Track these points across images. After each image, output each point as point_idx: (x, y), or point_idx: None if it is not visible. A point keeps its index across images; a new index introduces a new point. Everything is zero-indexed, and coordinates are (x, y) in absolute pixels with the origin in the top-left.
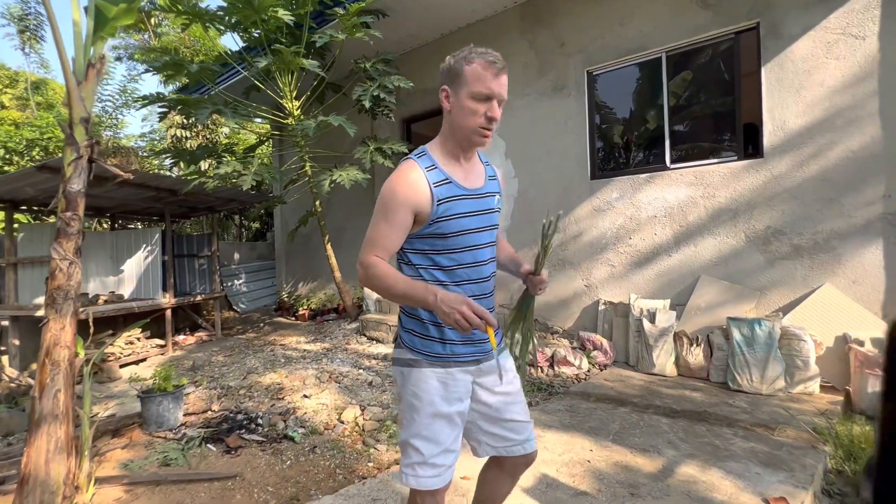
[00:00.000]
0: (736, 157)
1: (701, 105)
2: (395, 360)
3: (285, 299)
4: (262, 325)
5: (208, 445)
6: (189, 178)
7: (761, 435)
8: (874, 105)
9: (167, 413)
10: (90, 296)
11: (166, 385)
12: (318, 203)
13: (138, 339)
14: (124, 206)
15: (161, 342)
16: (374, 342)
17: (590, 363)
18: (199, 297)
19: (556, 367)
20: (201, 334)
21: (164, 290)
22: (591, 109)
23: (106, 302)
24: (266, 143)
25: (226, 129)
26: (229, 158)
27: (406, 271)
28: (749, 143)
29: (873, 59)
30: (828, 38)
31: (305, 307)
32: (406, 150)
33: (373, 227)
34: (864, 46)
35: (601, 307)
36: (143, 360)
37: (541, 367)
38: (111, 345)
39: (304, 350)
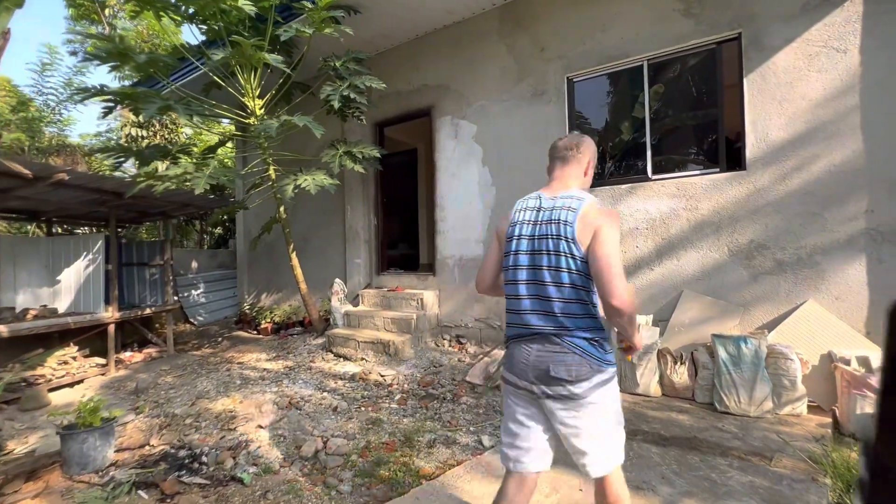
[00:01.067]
0: (718, 169)
1: (683, 115)
2: (603, 381)
3: (247, 311)
4: (220, 339)
5: (139, 492)
6: (137, 179)
7: (758, 466)
8: (856, 119)
9: (93, 452)
10: (17, 310)
11: (92, 419)
12: (282, 209)
13: (74, 358)
14: (65, 210)
15: (102, 361)
16: (342, 360)
17: None
18: (148, 311)
19: None
20: (151, 350)
21: (107, 302)
22: (572, 117)
23: (36, 317)
24: (228, 145)
25: (188, 130)
26: (184, 160)
27: (586, 297)
28: (732, 155)
29: (855, 73)
30: (809, 51)
31: (268, 320)
32: (378, 155)
33: (618, 259)
34: (846, 60)
35: None
36: (80, 381)
37: None
38: (40, 365)
39: (264, 369)
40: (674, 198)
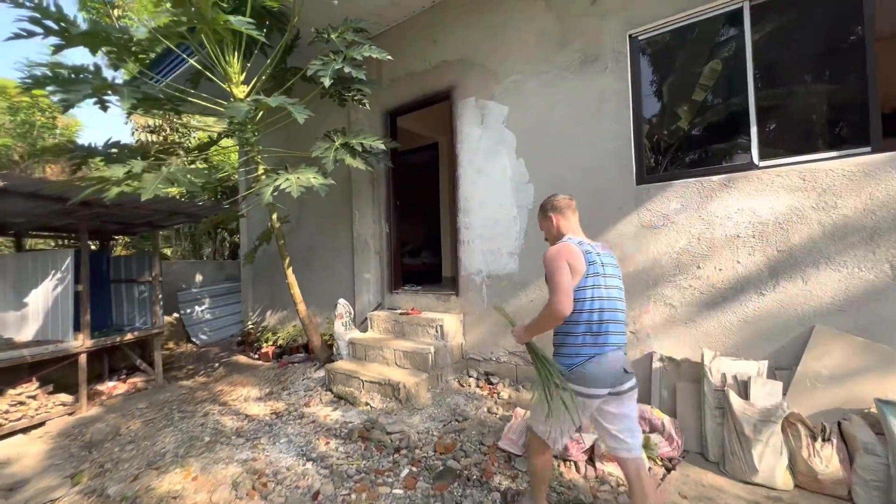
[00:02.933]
0: (869, 149)
1: (805, 76)
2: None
3: (251, 331)
4: (216, 364)
5: None
6: (84, 183)
7: None
8: None
9: None
10: None
11: None
12: (274, 217)
13: (33, 396)
14: (35, 222)
15: (69, 399)
16: (342, 403)
17: (649, 457)
18: (129, 336)
19: (598, 465)
20: (137, 380)
21: (78, 329)
22: (637, 87)
23: None
24: (224, 143)
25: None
26: (139, 162)
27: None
28: (890, 129)
29: None
30: None
31: (270, 343)
32: (383, 147)
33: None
34: None
35: (656, 364)
36: (41, 424)
37: (575, 465)
38: None
39: (247, 416)
40: (796, 192)
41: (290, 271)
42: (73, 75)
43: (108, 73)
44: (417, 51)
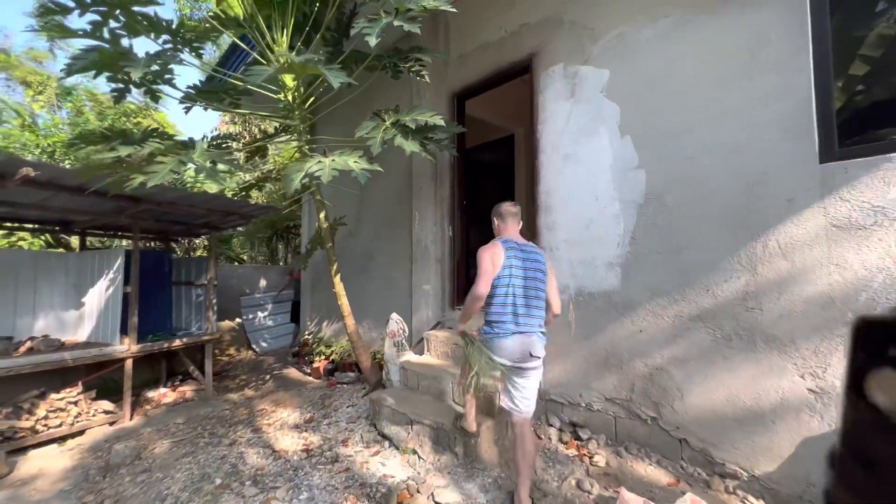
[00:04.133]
0: None
1: None
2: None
3: (308, 340)
4: (268, 376)
5: None
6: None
7: None
8: None
9: None
10: (13, 340)
11: None
12: (322, 216)
13: (75, 402)
14: (94, 221)
15: (112, 406)
16: (384, 445)
17: None
18: (176, 343)
19: None
20: (188, 388)
21: (125, 332)
22: (823, 15)
23: (31, 350)
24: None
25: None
26: (157, 145)
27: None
28: None
29: None
30: None
31: (323, 357)
32: (442, 123)
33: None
34: None
35: None
36: (81, 433)
37: None
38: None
39: (274, 452)
40: None
41: (337, 279)
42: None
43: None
44: (492, 16)
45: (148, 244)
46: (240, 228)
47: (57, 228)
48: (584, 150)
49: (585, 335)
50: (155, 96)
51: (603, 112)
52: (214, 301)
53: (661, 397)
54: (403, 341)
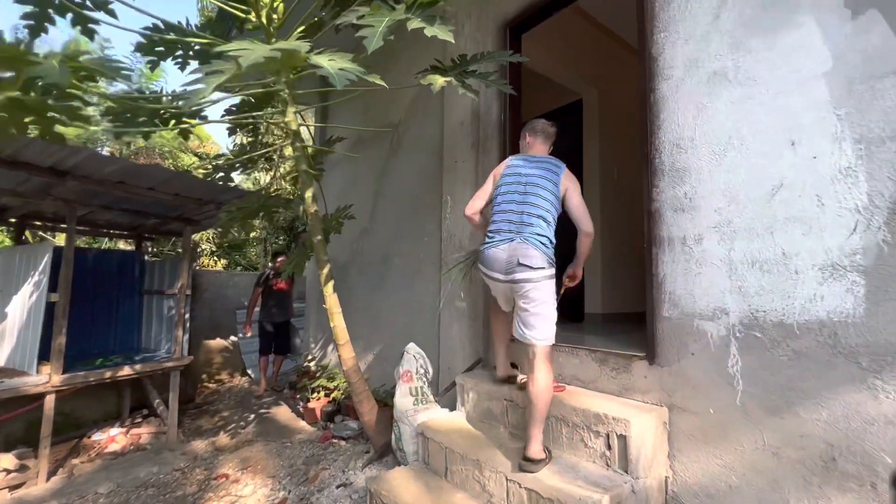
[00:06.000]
0: None
1: None
2: (548, 276)
3: (311, 369)
4: (252, 415)
5: None
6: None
7: None
8: None
9: None
10: None
11: None
12: (308, 196)
13: None
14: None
15: (14, 463)
16: None
17: None
18: (126, 371)
19: None
20: (145, 430)
21: (44, 357)
22: None
23: None
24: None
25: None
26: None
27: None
28: None
29: None
30: None
31: (322, 395)
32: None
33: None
34: None
35: None
36: None
37: None
38: None
39: None
40: None
41: (328, 288)
42: None
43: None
44: None
45: (135, 242)
46: (234, 230)
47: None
48: (761, 59)
49: (769, 406)
50: (88, 29)
51: None
52: (187, 316)
53: None
54: (425, 388)
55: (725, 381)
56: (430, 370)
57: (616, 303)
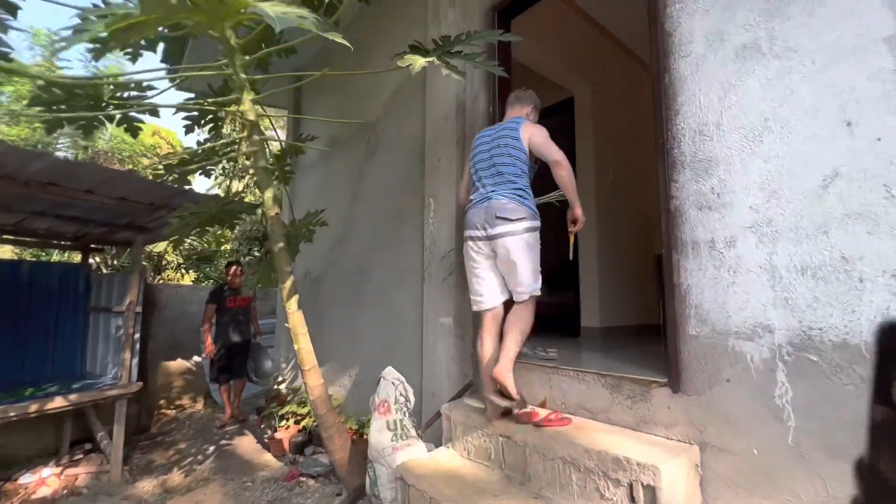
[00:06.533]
0: None
1: None
2: (529, 228)
3: (282, 392)
4: (211, 447)
5: None
6: None
7: None
8: None
9: None
10: None
11: None
12: (268, 196)
13: None
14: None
15: None
16: None
17: None
18: (55, 404)
19: None
20: (83, 470)
21: None
22: None
23: None
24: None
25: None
26: None
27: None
28: None
29: None
30: None
31: (290, 422)
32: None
33: None
34: None
35: None
36: None
37: None
38: None
39: None
40: None
41: (292, 304)
42: None
43: None
44: None
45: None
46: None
47: None
48: (801, 25)
49: (833, 447)
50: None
51: None
52: (137, 336)
53: None
54: (405, 420)
55: (772, 414)
56: (412, 398)
57: (615, 315)
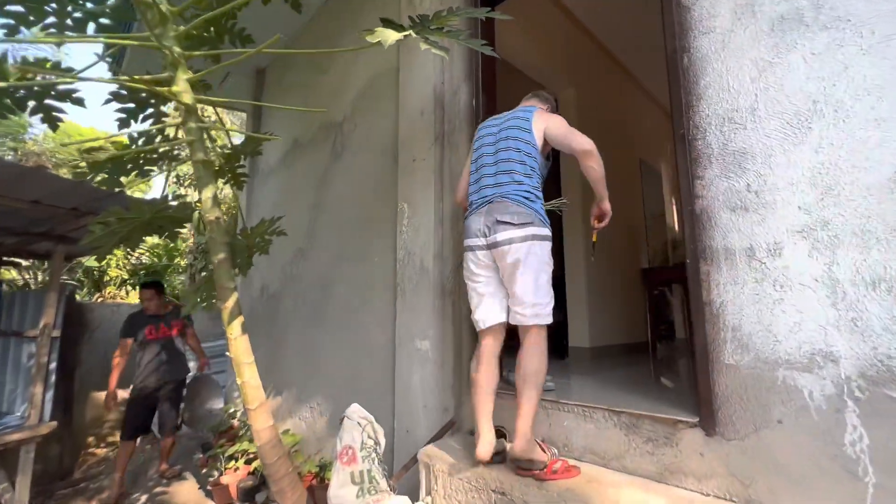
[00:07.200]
0: None
1: None
2: (537, 235)
3: (233, 424)
4: (143, 497)
5: None
6: None
7: None
8: None
9: None
10: None
11: None
12: (207, 194)
13: None
14: None
15: None
16: None
17: None
18: None
19: None
20: None
21: None
22: None
23: None
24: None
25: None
26: None
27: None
28: None
29: None
30: None
31: (242, 462)
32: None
33: None
34: None
35: None
36: None
37: None
38: None
39: None
40: None
41: (234, 329)
42: None
43: None
44: None
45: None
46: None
47: None
48: None
49: None
50: None
51: None
52: (53, 366)
53: None
54: (374, 470)
55: (841, 466)
56: (382, 440)
57: (606, 334)
